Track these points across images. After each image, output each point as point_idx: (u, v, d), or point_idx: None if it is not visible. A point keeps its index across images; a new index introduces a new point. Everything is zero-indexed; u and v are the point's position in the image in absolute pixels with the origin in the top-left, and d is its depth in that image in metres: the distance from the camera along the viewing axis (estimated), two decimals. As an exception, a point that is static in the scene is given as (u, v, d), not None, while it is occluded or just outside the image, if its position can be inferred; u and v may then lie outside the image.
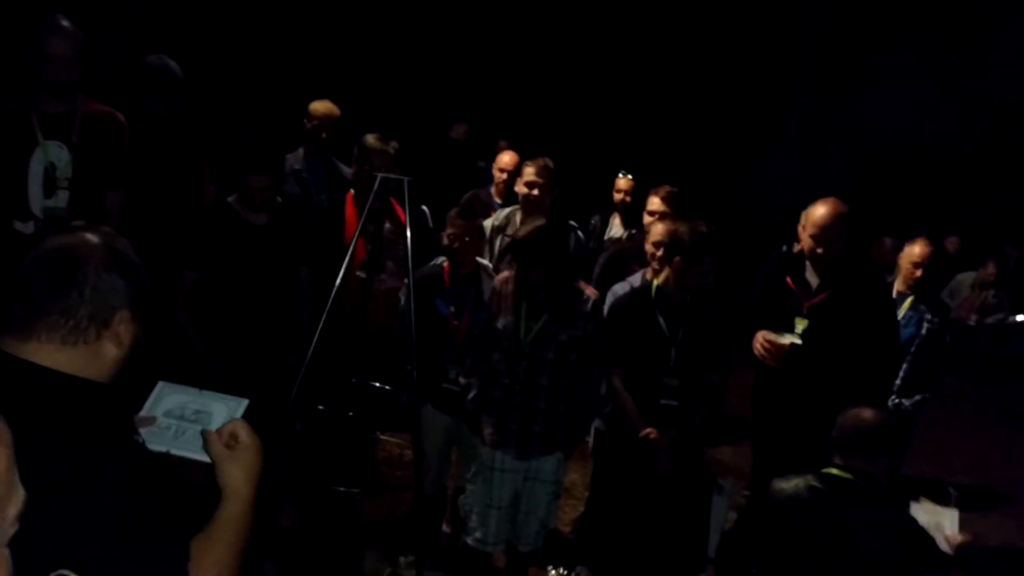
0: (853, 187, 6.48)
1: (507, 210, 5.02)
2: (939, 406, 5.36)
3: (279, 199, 4.09)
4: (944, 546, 3.15)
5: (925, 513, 3.44)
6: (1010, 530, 3.72)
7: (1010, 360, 7.30)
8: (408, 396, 3.96)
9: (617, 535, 4.03)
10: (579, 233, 4.94)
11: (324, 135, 5.12)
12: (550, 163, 4.79)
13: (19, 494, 0.78)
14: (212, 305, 3.94)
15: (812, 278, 4.03)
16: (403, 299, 3.97)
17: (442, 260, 4.15)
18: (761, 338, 3.97)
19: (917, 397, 4.53)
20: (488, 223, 4.81)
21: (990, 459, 5.36)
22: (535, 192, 4.67)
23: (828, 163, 7.89)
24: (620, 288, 4.34)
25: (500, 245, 4.73)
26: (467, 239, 4.03)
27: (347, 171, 4.97)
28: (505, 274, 3.83)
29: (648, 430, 3.73)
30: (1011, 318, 7.66)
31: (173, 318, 3.90)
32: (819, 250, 3.90)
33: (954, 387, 6.52)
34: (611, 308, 4.05)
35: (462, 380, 3.87)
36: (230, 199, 4.02)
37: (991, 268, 7.69)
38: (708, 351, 3.86)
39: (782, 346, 3.92)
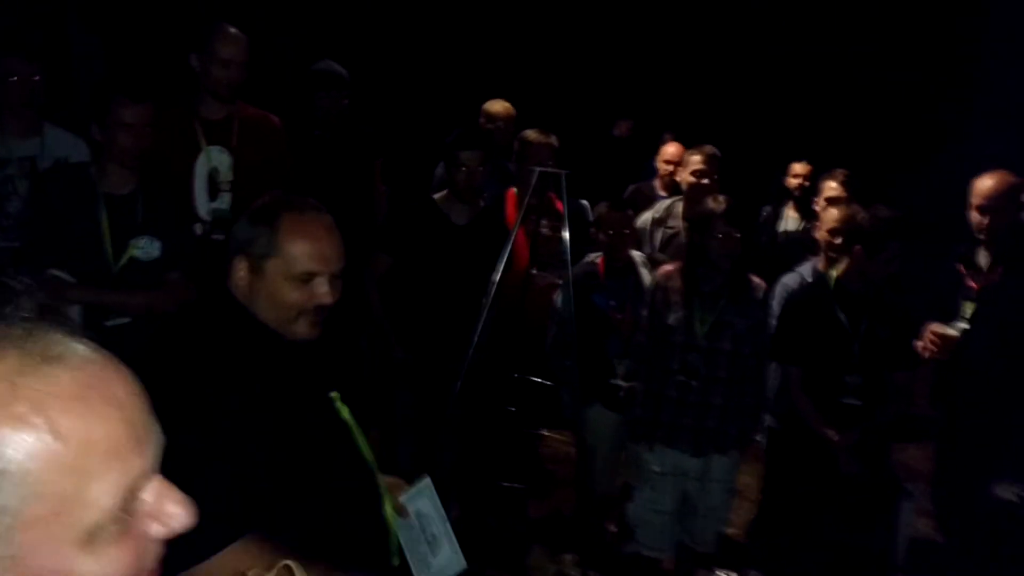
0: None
1: (667, 201, 4.92)
2: None
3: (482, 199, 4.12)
4: None
5: None
6: None
7: None
8: (570, 393, 3.93)
9: (793, 540, 3.84)
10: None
11: (505, 134, 5.11)
12: (716, 151, 4.65)
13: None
14: (404, 295, 4.01)
15: (983, 258, 3.69)
16: (559, 296, 3.95)
17: (595, 256, 4.11)
18: (928, 331, 3.67)
19: None
20: (647, 215, 4.73)
21: None
22: (704, 181, 4.55)
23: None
24: (790, 279, 4.16)
25: (661, 238, 4.63)
26: (621, 232, 3.99)
27: (512, 168, 5.01)
28: (668, 267, 3.75)
29: (830, 431, 3.52)
30: None
31: (364, 300, 3.99)
32: (985, 222, 3.57)
33: None
34: (786, 301, 3.89)
35: (623, 384, 3.78)
36: (436, 196, 4.09)
37: None
38: (893, 346, 3.60)
39: (949, 337, 3.60)
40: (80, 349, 0.73)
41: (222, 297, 1.86)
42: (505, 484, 3.94)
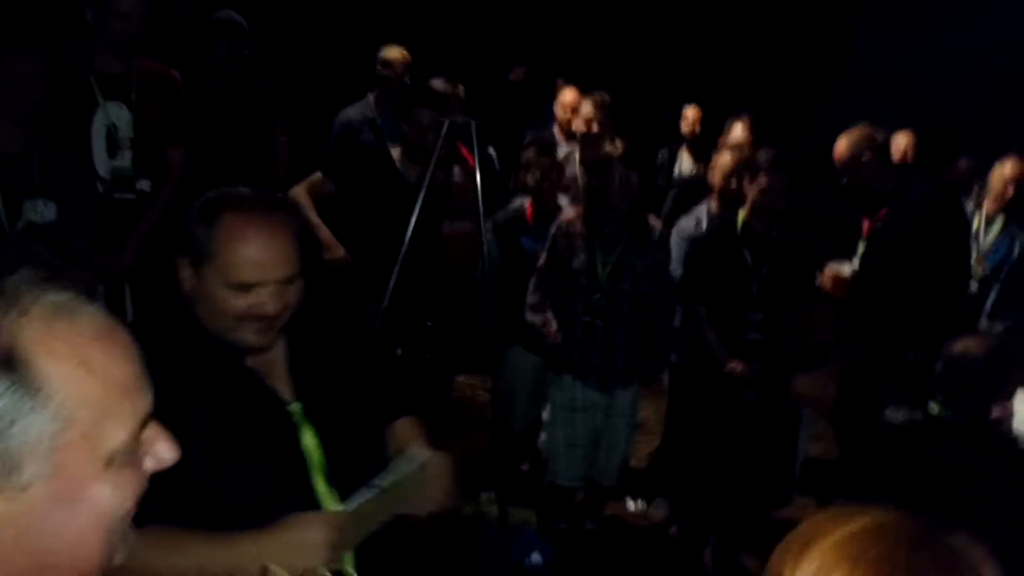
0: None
1: (566, 150, 4.99)
2: None
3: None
4: None
5: None
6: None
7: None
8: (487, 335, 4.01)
9: (698, 469, 4.07)
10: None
11: (405, 80, 5.10)
12: (606, 97, 4.73)
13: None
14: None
15: (874, 200, 3.94)
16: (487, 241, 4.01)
17: (522, 200, 4.18)
18: (830, 274, 3.93)
19: (1010, 321, 4.40)
20: None
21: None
22: (594, 128, 4.64)
23: (901, 96, 7.62)
24: (686, 222, 4.30)
25: None
26: (549, 175, 4.08)
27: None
28: (571, 212, 3.84)
29: (734, 364, 3.71)
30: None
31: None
32: (846, 179, 3.87)
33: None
34: (692, 243, 4.04)
35: (530, 318, 3.86)
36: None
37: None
38: (793, 284, 3.80)
39: (842, 276, 3.86)
40: (86, 304, 0.84)
41: (167, 293, 1.71)
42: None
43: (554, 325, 3.75)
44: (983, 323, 4.32)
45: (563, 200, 4.27)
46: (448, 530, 4.02)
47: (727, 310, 3.79)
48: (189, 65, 4.20)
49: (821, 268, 4.02)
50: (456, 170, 4.03)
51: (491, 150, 4.64)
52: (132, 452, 0.85)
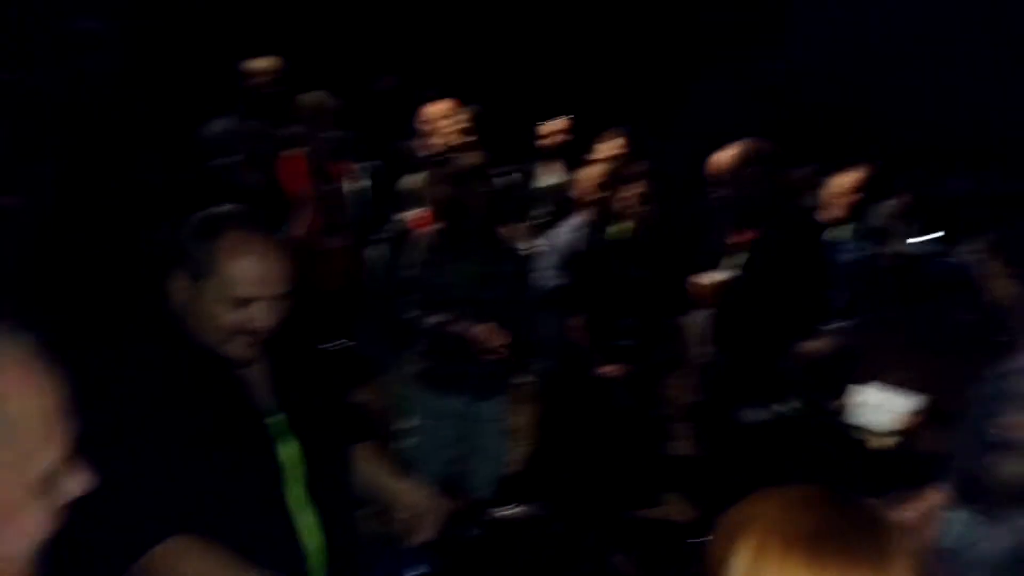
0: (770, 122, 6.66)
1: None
2: (879, 329, 5.59)
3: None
4: (895, 419, 3.23)
5: (879, 393, 3.64)
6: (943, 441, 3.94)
7: (934, 281, 7.62)
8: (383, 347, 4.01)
9: (572, 472, 4.22)
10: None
11: (272, 90, 5.00)
12: (470, 109, 4.81)
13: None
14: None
15: (740, 217, 4.13)
16: (376, 256, 4.01)
17: (410, 214, 4.19)
18: (695, 280, 4.09)
19: (856, 320, 4.74)
20: (414, 177, 4.76)
21: (927, 381, 5.53)
22: (452, 140, 4.73)
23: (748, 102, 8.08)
24: (560, 233, 4.43)
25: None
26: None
27: (286, 131, 4.95)
28: (432, 227, 3.84)
29: (607, 368, 3.83)
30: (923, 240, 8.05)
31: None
32: (730, 192, 4.00)
33: (892, 310, 6.75)
34: (565, 253, 4.16)
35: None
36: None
37: (904, 196, 8.00)
38: (663, 291, 3.95)
39: (712, 285, 4.01)
40: (11, 334, 0.90)
41: (157, 308, 1.77)
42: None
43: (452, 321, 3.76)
44: (832, 323, 4.63)
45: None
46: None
47: (600, 318, 3.90)
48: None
49: (690, 275, 4.21)
50: (337, 185, 4.03)
51: (375, 163, 4.64)
52: (55, 480, 0.90)
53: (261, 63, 5.11)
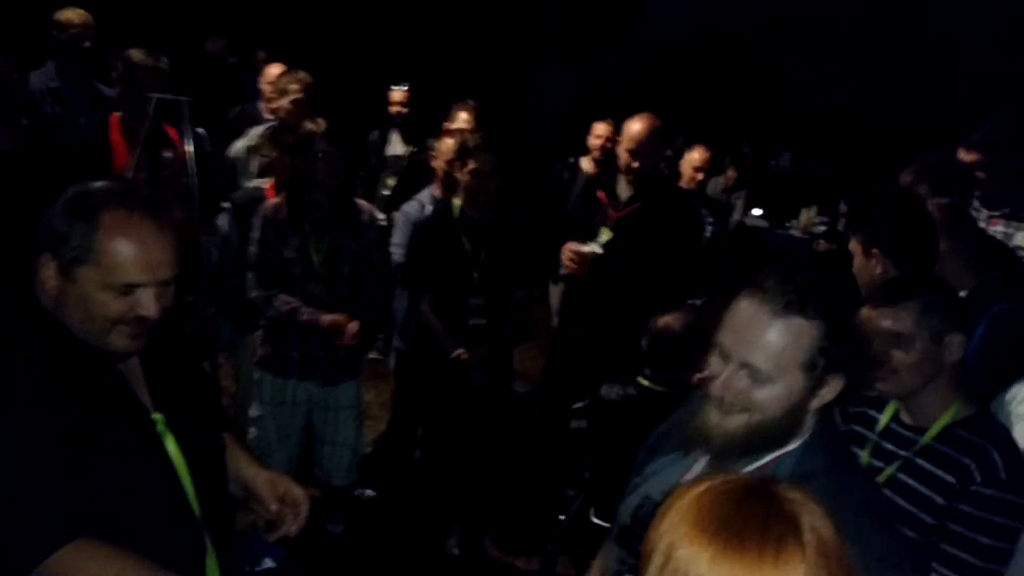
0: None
1: (260, 129, 4.77)
2: (726, 303, 5.78)
3: (25, 121, 3.62)
4: None
5: None
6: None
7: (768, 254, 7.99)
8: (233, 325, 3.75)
9: (431, 453, 4.11)
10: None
11: (86, 44, 4.60)
12: (309, 77, 4.60)
13: None
14: None
15: (624, 190, 4.12)
16: (223, 222, 3.75)
17: (262, 181, 3.95)
18: (567, 249, 4.06)
19: (704, 297, 4.85)
20: (242, 143, 4.57)
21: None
22: (292, 108, 4.50)
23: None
24: (410, 207, 4.29)
25: (257, 166, 4.47)
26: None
27: (107, 91, 4.54)
28: (275, 200, 3.64)
29: (459, 351, 3.74)
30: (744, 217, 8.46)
31: None
32: (635, 164, 4.00)
33: (737, 284, 7.03)
34: (413, 229, 4.01)
35: (269, 314, 3.63)
36: None
37: (731, 172, 8.32)
38: (511, 267, 3.88)
39: (585, 254, 4.03)
40: None
41: (20, 298, 1.55)
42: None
43: (300, 308, 3.54)
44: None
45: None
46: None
47: (449, 296, 3.81)
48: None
49: (539, 250, 4.17)
50: (166, 153, 3.70)
51: (202, 130, 4.32)
52: None
53: (69, 14, 4.64)
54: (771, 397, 1.47)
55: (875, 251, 2.64)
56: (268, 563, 3.48)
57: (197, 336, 3.86)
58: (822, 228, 7.93)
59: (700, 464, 1.60)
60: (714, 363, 1.52)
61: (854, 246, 2.74)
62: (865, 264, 2.67)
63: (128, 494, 1.56)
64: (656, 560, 1.01)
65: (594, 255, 4.00)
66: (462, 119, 4.81)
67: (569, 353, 4.20)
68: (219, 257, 3.81)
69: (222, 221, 3.82)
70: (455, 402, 3.82)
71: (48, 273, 1.54)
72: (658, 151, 4.13)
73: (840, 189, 8.82)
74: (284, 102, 4.56)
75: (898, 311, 2.05)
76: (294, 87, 4.52)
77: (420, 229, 3.97)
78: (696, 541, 0.98)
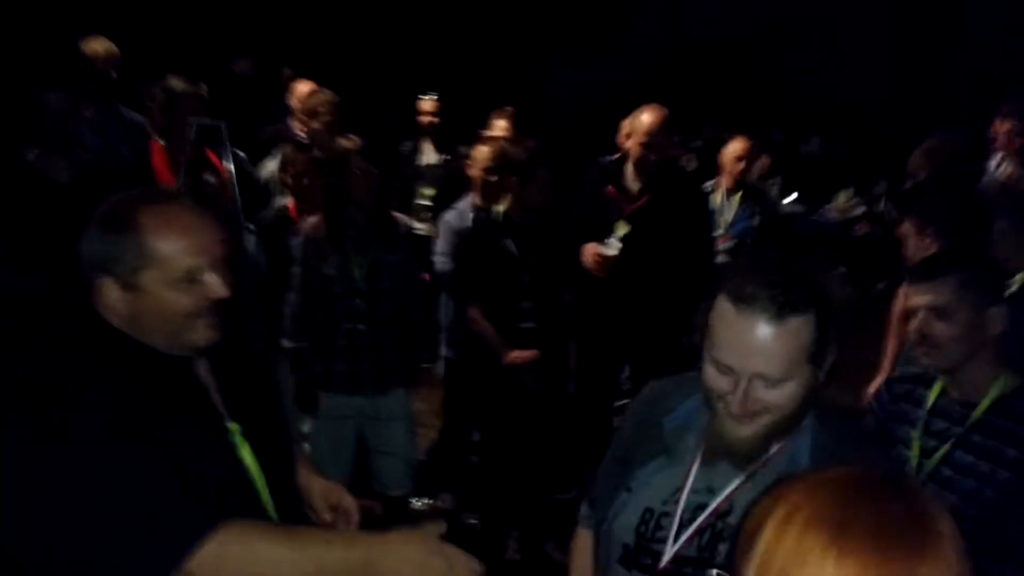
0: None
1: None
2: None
3: (83, 153, 3.68)
4: None
5: None
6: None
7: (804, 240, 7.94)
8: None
9: (486, 460, 4.11)
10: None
11: (114, 75, 4.67)
12: (332, 95, 4.65)
13: None
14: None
15: (633, 183, 4.14)
16: (251, 245, 3.79)
17: (286, 200, 3.97)
18: (590, 251, 4.06)
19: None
20: (273, 164, 4.57)
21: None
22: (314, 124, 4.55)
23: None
24: (452, 217, 4.30)
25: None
26: (311, 173, 3.87)
27: (137, 118, 4.60)
28: (312, 219, 3.66)
29: (514, 355, 3.74)
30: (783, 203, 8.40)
31: None
32: (650, 157, 4.01)
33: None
34: (458, 239, 4.02)
35: (288, 344, 3.69)
36: (29, 155, 3.55)
37: (764, 159, 8.26)
38: (559, 270, 3.88)
39: (608, 256, 4.02)
40: None
41: (93, 327, 1.56)
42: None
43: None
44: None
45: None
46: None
47: (499, 302, 3.80)
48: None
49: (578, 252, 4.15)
50: (209, 177, 3.73)
51: (242, 153, 4.36)
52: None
53: (99, 46, 4.72)
54: (788, 395, 1.47)
55: (929, 231, 2.64)
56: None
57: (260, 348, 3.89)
58: (859, 211, 7.84)
59: (696, 466, 1.58)
60: (718, 380, 1.49)
61: (907, 228, 2.74)
62: (920, 244, 2.68)
63: (210, 503, 1.55)
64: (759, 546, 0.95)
65: (611, 257, 4.00)
66: (500, 127, 4.82)
67: (597, 351, 4.18)
68: (247, 281, 3.84)
69: (248, 244, 3.85)
70: (511, 406, 3.82)
71: (113, 296, 1.55)
72: (668, 141, 4.13)
73: (872, 170, 8.75)
74: (316, 124, 4.60)
75: (937, 285, 2.09)
76: (322, 109, 4.56)
77: (465, 237, 3.98)
78: (809, 534, 0.91)
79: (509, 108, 5.01)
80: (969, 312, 2.07)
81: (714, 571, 1.27)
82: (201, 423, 1.62)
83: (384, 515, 4.06)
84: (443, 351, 4.42)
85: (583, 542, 1.80)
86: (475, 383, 4.02)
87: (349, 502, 1.86)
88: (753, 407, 1.47)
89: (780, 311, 1.43)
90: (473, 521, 4.23)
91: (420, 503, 4.38)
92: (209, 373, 1.68)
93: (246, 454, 1.66)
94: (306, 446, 3.86)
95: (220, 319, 1.61)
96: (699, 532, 1.55)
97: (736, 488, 1.55)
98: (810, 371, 1.48)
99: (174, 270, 1.53)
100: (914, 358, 2.32)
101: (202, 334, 1.60)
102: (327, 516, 1.86)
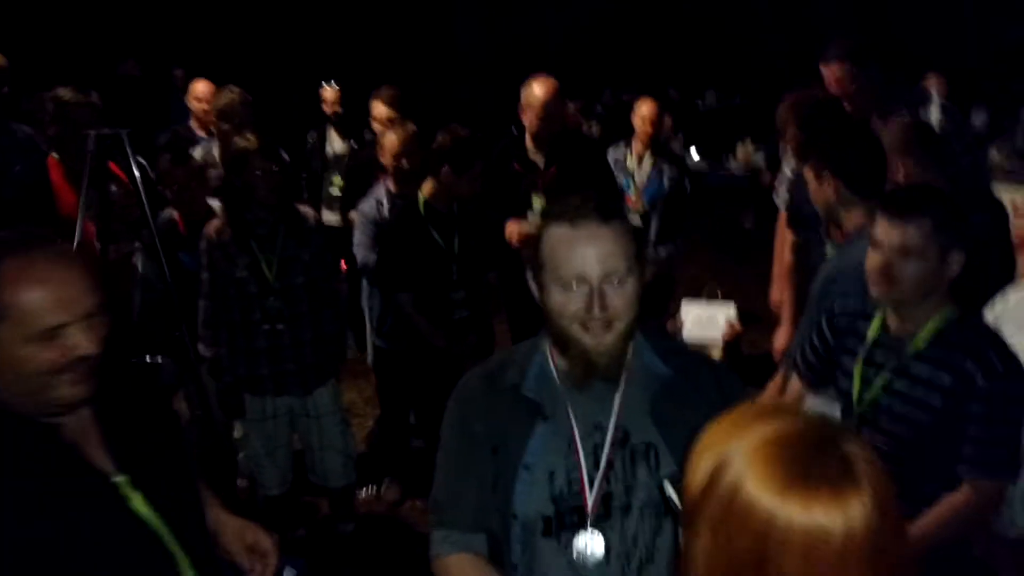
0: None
1: (200, 147, 4.71)
2: (690, 249, 5.83)
3: None
4: (722, 331, 3.41)
5: (699, 308, 3.84)
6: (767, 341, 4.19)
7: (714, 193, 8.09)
8: (175, 363, 3.70)
9: (426, 442, 4.11)
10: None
11: (5, 89, 4.47)
12: (242, 95, 4.56)
13: None
14: None
15: (537, 157, 4.14)
16: (140, 263, 3.69)
17: (171, 212, 3.87)
18: (513, 230, 4.05)
19: (670, 246, 4.92)
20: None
21: (741, 286, 5.80)
22: (225, 126, 4.45)
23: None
24: (367, 206, 4.22)
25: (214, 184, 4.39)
26: (189, 184, 3.82)
27: (27, 130, 4.41)
28: (216, 222, 3.58)
29: (451, 345, 3.76)
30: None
31: None
32: (545, 129, 4.03)
33: (698, 229, 7.04)
34: (379, 230, 3.98)
35: (205, 352, 3.63)
36: None
37: (667, 119, 8.37)
38: (484, 255, 3.89)
39: (531, 233, 4.02)
40: None
41: None
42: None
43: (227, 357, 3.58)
44: (649, 251, 4.78)
45: (215, 202, 3.98)
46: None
47: (431, 294, 3.79)
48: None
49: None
50: (113, 188, 3.61)
51: (142, 160, 4.22)
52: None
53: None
54: (632, 295, 1.59)
55: (825, 174, 2.71)
56: (291, 573, 3.50)
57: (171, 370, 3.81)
58: (761, 161, 8.04)
59: (571, 410, 1.63)
60: (570, 300, 1.58)
61: (807, 173, 2.81)
62: (819, 188, 2.75)
63: (105, 568, 1.49)
64: (716, 496, 1.04)
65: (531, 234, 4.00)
66: (380, 109, 4.80)
67: (526, 325, 4.18)
68: (140, 299, 3.75)
69: (137, 261, 3.75)
70: (448, 386, 3.80)
71: None
72: (564, 111, 4.16)
73: (771, 120, 8.97)
74: (226, 125, 4.47)
75: (909, 225, 2.08)
76: (236, 109, 4.45)
77: (388, 228, 3.92)
78: (767, 483, 1.00)
79: (390, 89, 4.97)
80: (937, 254, 2.07)
81: (665, 481, 1.31)
82: (71, 491, 1.50)
83: (330, 509, 4.05)
84: (371, 340, 4.39)
85: (461, 565, 1.67)
86: (408, 369, 4.02)
87: (265, 543, 1.81)
88: (610, 313, 1.56)
89: (607, 216, 1.59)
90: (420, 503, 4.24)
91: (365, 492, 4.37)
92: (94, 424, 1.56)
93: (139, 505, 1.55)
94: (240, 451, 3.81)
95: (88, 373, 1.48)
96: (610, 465, 1.61)
97: (618, 413, 1.63)
98: (638, 274, 1.60)
99: (30, 327, 1.41)
100: (847, 292, 2.38)
101: (66, 391, 1.47)
102: (242, 558, 1.80)
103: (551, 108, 4.03)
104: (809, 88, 3.89)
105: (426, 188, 3.82)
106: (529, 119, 4.09)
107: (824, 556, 0.97)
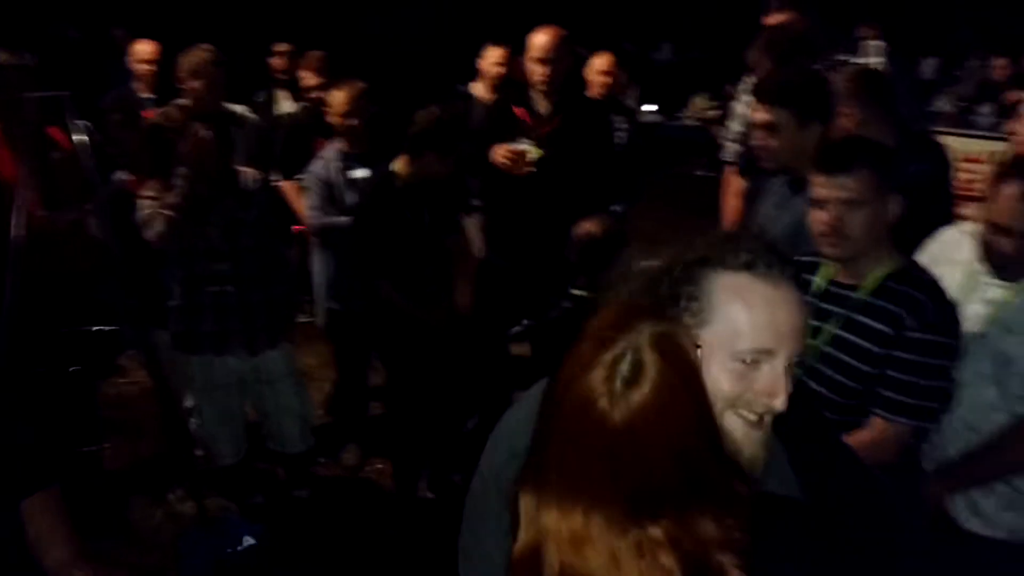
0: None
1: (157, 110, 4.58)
2: (647, 204, 5.85)
3: None
4: None
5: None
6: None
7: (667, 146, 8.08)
8: (133, 329, 3.66)
9: (386, 405, 4.11)
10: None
11: None
12: (213, 52, 4.44)
13: None
14: None
15: (543, 106, 4.04)
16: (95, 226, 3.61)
17: (123, 175, 3.79)
18: (501, 151, 3.94)
19: (623, 202, 4.90)
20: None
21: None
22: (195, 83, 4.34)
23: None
24: (318, 167, 4.15)
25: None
26: (145, 145, 3.68)
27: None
28: (151, 186, 3.52)
29: (429, 316, 3.75)
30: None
31: None
32: (551, 76, 3.93)
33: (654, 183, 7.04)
34: (327, 186, 3.93)
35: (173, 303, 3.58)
36: None
37: (622, 72, 8.32)
38: (450, 222, 3.87)
39: (520, 151, 3.91)
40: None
41: None
42: (88, 449, 3.58)
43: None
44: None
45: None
46: (145, 541, 3.70)
47: (407, 272, 3.73)
48: None
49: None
50: (54, 154, 3.52)
51: (85, 122, 4.10)
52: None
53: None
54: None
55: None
56: (249, 541, 3.51)
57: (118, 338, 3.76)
58: (715, 113, 8.06)
59: None
60: (743, 381, 1.22)
61: (784, 118, 2.77)
62: (797, 133, 2.74)
63: None
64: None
65: (527, 154, 3.91)
66: (308, 76, 4.70)
67: (500, 280, 4.17)
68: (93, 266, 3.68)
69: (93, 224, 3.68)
70: (409, 347, 3.79)
71: None
72: (569, 60, 4.07)
73: (725, 73, 8.97)
74: (196, 83, 4.36)
75: (849, 178, 2.09)
76: (207, 68, 4.34)
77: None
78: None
79: (316, 53, 4.90)
80: (876, 203, 2.09)
81: None
82: None
83: (287, 475, 4.05)
84: (325, 303, 4.36)
85: None
86: (365, 331, 3.99)
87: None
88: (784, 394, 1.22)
89: (792, 274, 1.25)
90: (380, 466, 4.26)
91: (323, 459, 4.36)
92: None
93: None
94: (192, 421, 3.78)
95: None
96: None
97: None
98: None
99: None
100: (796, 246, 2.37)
101: None
102: None
103: (555, 54, 3.92)
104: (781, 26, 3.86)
105: (400, 166, 3.72)
106: (532, 67, 3.97)
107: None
